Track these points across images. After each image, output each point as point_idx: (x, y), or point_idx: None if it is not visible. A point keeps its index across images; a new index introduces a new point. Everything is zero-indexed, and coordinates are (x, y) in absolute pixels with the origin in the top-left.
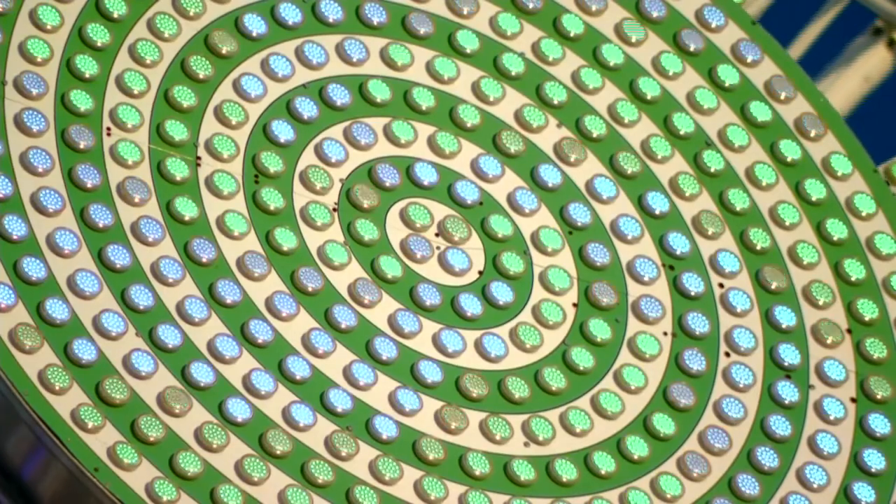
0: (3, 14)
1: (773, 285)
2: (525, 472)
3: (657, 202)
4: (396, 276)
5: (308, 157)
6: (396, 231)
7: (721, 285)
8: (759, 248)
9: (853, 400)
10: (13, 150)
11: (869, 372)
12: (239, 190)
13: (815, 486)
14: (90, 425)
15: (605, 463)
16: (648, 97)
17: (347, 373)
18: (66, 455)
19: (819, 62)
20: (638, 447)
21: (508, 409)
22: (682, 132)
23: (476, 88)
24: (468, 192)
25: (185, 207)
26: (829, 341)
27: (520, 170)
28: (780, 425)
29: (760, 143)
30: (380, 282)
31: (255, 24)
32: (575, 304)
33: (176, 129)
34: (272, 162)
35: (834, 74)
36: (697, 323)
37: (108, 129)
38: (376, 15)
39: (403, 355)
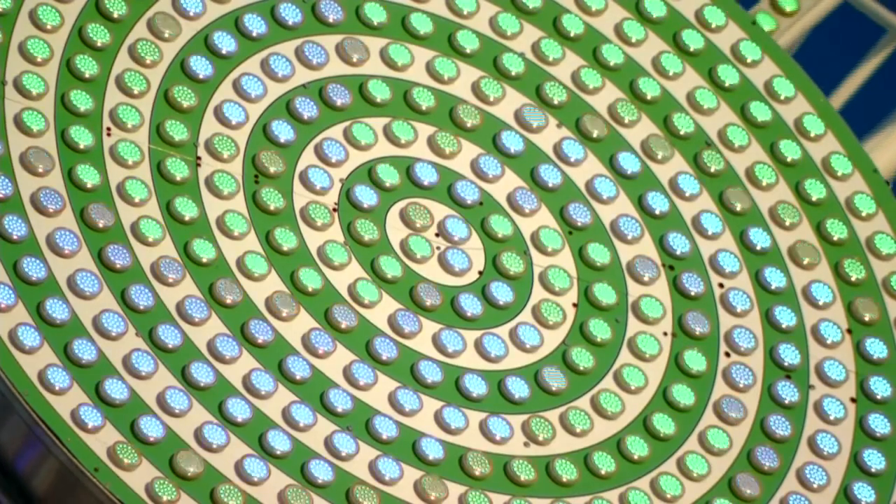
0: (3, 14)
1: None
2: (525, 472)
3: (657, 202)
4: (396, 276)
5: (308, 157)
6: (396, 231)
7: (721, 285)
8: (759, 248)
9: (853, 400)
10: (13, 150)
11: (869, 372)
12: (239, 190)
13: (815, 486)
14: (90, 425)
15: (605, 463)
16: (648, 97)
17: (347, 373)
18: (66, 455)
19: (865, 107)
20: (638, 447)
21: (508, 409)
22: (682, 132)
23: (476, 88)
24: (468, 192)
25: (185, 207)
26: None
27: (520, 170)
28: (780, 425)
29: (760, 143)
30: (380, 282)
31: (255, 24)
32: (575, 304)
33: (176, 129)
34: (272, 162)
35: (886, 130)
36: (697, 323)
37: (108, 129)
38: (376, 15)
39: (403, 355)
